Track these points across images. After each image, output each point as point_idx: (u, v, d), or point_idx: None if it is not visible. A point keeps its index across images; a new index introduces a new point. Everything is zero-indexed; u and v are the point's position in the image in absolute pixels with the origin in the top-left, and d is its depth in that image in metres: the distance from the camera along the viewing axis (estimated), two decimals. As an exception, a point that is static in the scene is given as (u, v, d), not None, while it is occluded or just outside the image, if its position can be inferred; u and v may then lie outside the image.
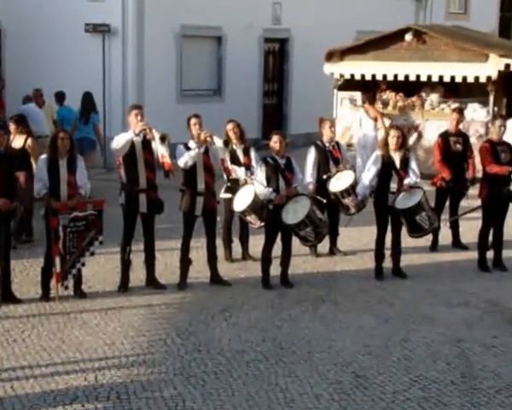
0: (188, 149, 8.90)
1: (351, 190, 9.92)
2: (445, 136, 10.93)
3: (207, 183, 8.99)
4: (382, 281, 9.46)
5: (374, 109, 15.62)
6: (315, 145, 10.39)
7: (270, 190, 8.97)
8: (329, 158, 10.26)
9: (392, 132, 9.45)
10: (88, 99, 14.51)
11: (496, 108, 15.32)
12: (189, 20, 17.75)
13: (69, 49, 17.49)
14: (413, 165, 9.48)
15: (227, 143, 9.36)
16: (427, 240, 10.62)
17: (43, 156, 8.61)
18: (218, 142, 9.13)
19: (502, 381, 6.72)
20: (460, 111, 11.36)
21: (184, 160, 8.81)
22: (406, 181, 9.36)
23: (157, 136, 8.62)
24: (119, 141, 8.72)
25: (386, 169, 9.40)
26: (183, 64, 18.13)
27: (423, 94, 16.13)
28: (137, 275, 9.17)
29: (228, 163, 9.79)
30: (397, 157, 9.39)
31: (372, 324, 8.05)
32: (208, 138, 8.86)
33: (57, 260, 8.44)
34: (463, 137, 11.03)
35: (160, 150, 8.70)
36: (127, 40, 17.17)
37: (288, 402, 6.27)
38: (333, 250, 10.65)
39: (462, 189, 10.82)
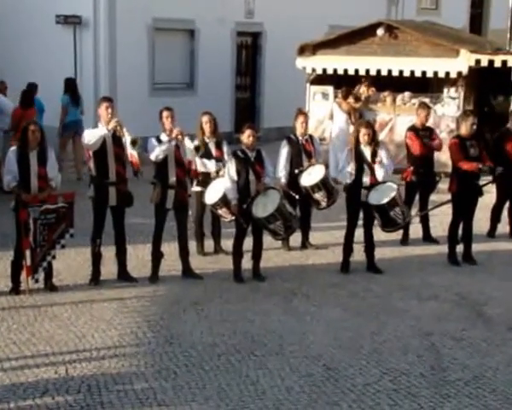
0: (159, 141, 8.87)
1: (321, 184, 9.95)
2: (413, 130, 11.00)
3: (179, 176, 8.95)
4: (351, 274, 9.50)
5: (346, 103, 15.66)
6: (288, 139, 10.40)
7: (236, 197, 8.96)
8: (302, 152, 10.29)
9: (363, 130, 9.43)
10: (74, 83, 14.98)
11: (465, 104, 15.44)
12: (162, 13, 17.67)
13: (40, 41, 17.34)
14: (384, 158, 9.49)
15: (198, 148, 9.37)
16: (398, 234, 10.69)
17: (13, 148, 8.53)
18: (189, 144, 9.15)
19: (470, 373, 6.80)
20: (426, 106, 11.43)
21: (155, 153, 8.79)
22: (379, 176, 9.39)
23: (128, 138, 8.58)
24: (92, 137, 8.64)
25: (358, 163, 9.43)
26: (155, 57, 18.05)
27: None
28: (109, 268, 9.13)
29: (196, 166, 9.71)
30: (367, 151, 9.43)
31: (343, 317, 8.09)
32: (179, 136, 8.85)
33: (27, 253, 8.39)
34: (430, 131, 11.13)
35: (130, 150, 8.67)
36: (99, 32, 17.05)
37: (259, 395, 6.28)
38: (305, 244, 10.68)
39: (432, 183, 10.91)
